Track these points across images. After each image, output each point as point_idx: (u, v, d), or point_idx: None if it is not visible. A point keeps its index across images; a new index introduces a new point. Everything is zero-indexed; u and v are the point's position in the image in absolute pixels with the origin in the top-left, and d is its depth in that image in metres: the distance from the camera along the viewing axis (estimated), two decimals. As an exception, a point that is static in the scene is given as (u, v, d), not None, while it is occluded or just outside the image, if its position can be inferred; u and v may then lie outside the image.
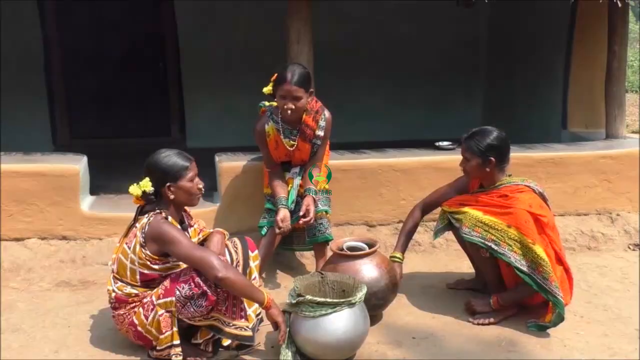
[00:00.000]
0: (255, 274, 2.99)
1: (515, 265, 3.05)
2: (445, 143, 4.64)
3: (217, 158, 4.34)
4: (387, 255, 3.43)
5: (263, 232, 3.65)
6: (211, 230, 3.01)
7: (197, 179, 2.84)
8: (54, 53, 6.68)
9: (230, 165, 4.19)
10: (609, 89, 4.97)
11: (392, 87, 7.17)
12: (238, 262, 2.88)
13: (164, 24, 6.85)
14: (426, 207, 3.54)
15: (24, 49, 6.41)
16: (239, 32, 6.70)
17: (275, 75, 3.48)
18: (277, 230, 3.47)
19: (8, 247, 4.00)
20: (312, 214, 3.48)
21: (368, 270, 3.13)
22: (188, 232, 2.92)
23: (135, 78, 6.96)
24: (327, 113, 3.62)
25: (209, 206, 4.22)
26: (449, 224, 3.31)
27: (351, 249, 3.28)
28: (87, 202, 4.25)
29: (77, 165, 4.11)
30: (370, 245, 3.27)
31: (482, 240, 3.11)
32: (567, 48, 5.64)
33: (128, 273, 2.76)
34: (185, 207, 2.95)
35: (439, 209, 3.45)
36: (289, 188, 3.61)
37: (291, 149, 3.58)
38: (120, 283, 2.79)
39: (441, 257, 4.18)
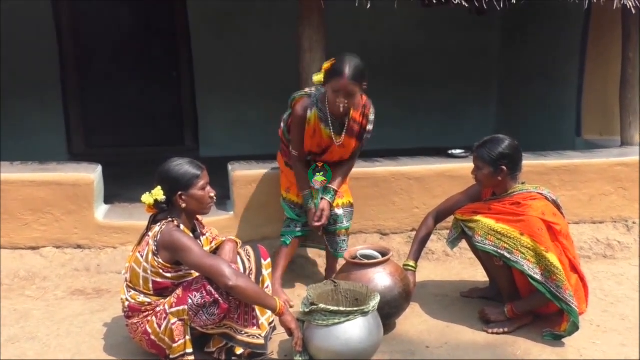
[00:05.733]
0: (268, 282, 2.99)
1: (529, 273, 3.03)
2: (458, 151, 4.62)
3: (230, 167, 4.36)
4: (401, 263, 3.42)
5: (287, 242, 3.60)
6: (223, 238, 3.02)
7: (208, 188, 2.85)
8: (69, 62, 6.75)
9: (243, 174, 4.20)
10: (623, 96, 4.94)
11: (404, 95, 7.17)
12: (251, 270, 2.88)
13: (177, 33, 6.90)
14: (439, 215, 3.52)
15: (40, 58, 6.48)
16: (252, 41, 6.73)
17: (330, 64, 3.24)
18: (316, 224, 3.40)
19: (24, 256, 4.04)
20: (324, 220, 3.43)
21: (381, 278, 3.11)
22: (200, 241, 2.93)
23: (149, 87, 7.02)
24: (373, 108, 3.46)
25: (222, 215, 4.23)
26: (463, 233, 3.30)
27: (364, 257, 3.27)
28: (101, 211, 4.28)
29: (91, 175, 4.15)
30: (384, 254, 3.26)
31: (495, 249, 3.09)
32: (581, 55, 5.61)
33: (141, 282, 2.77)
34: (198, 216, 2.96)
35: (451, 218, 3.43)
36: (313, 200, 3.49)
37: (337, 142, 3.40)
38: (133, 292, 2.80)
39: (455, 265, 4.15)
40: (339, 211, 3.55)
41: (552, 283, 3.00)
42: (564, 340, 3.06)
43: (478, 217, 3.19)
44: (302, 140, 3.42)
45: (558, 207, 3.27)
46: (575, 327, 3.02)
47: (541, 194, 3.22)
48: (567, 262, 3.12)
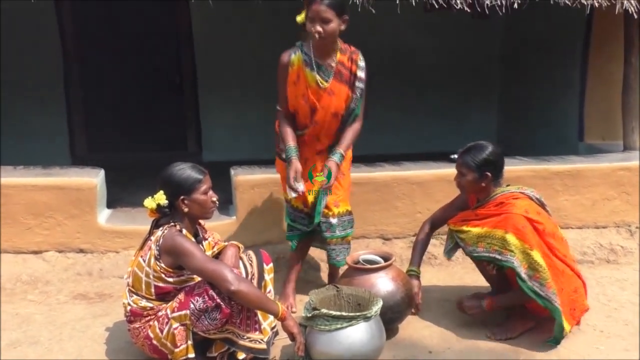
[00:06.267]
0: (270, 287, 2.99)
1: (518, 271, 3.00)
2: (460, 155, 4.61)
3: (232, 171, 4.36)
4: (403, 268, 3.42)
5: (293, 247, 3.57)
6: (226, 243, 3.02)
7: (210, 192, 2.85)
8: (72, 67, 6.77)
9: (245, 178, 4.21)
10: (625, 101, 4.93)
11: (406, 98, 7.17)
12: (253, 275, 2.88)
13: (180, 38, 6.91)
14: (434, 223, 3.57)
15: (43, 62, 6.50)
16: (255, 46, 6.74)
17: None
18: (292, 195, 3.22)
19: (27, 260, 4.05)
20: (332, 181, 3.25)
21: (384, 283, 3.11)
22: (202, 245, 2.93)
23: (152, 92, 7.03)
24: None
25: (225, 219, 4.24)
26: (457, 243, 3.29)
27: (367, 262, 3.27)
28: (104, 215, 4.29)
29: (94, 179, 4.15)
30: (386, 259, 3.26)
31: (487, 254, 3.09)
32: (583, 59, 5.61)
33: (143, 286, 2.77)
34: (200, 220, 2.96)
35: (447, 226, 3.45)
36: (313, 195, 3.35)
37: (322, 87, 3.22)
38: (135, 296, 2.80)
39: (457, 270, 4.15)
40: (333, 220, 3.42)
41: (535, 281, 2.99)
42: (568, 346, 3.05)
43: (466, 227, 3.21)
44: (286, 95, 3.30)
45: (543, 205, 3.26)
46: (560, 329, 3.00)
47: (524, 193, 3.22)
48: (559, 262, 3.10)
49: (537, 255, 3.00)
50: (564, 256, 3.16)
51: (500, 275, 3.20)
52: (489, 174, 3.16)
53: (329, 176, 3.33)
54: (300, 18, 3.24)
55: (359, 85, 3.30)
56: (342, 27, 3.19)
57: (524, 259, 3.01)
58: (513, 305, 3.22)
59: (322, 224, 3.42)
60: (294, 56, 3.26)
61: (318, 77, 3.24)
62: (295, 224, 3.51)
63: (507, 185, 3.27)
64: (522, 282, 3.01)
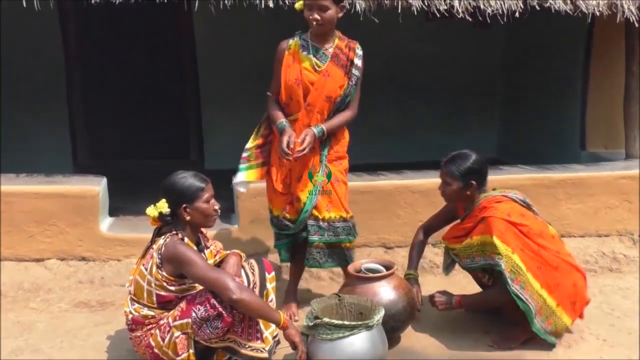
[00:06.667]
0: (272, 295, 2.98)
1: (504, 274, 3.00)
2: (462, 164, 4.61)
3: (234, 180, 4.36)
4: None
5: (283, 258, 3.56)
6: (227, 252, 3.02)
7: (213, 201, 2.85)
8: (75, 74, 6.79)
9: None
10: (627, 109, 4.94)
11: (408, 108, 7.17)
12: (255, 283, 2.87)
13: (183, 45, 6.94)
14: (427, 230, 3.61)
15: (46, 69, 6.51)
16: (257, 54, 6.74)
17: None
18: (287, 157, 3.15)
19: (29, 268, 4.05)
20: (305, 145, 3.15)
21: (386, 292, 3.10)
22: (204, 254, 2.93)
23: (155, 99, 7.05)
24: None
25: (226, 227, 4.24)
26: (478, 268, 3.28)
27: (369, 271, 3.26)
28: (106, 224, 4.29)
29: (96, 187, 4.16)
30: (388, 268, 3.26)
31: (484, 261, 3.10)
32: (585, 68, 5.61)
33: (145, 294, 2.77)
34: (202, 229, 2.96)
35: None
36: (307, 193, 3.30)
37: (317, 70, 3.23)
38: (137, 305, 2.80)
39: (459, 279, 4.12)
40: (323, 224, 3.37)
41: (516, 284, 3.00)
42: (569, 354, 3.04)
43: (456, 245, 3.24)
44: (279, 79, 3.30)
45: (529, 207, 3.26)
46: (539, 332, 3.02)
47: (506, 196, 3.23)
48: (551, 258, 3.09)
49: (517, 259, 3.01)
50: (556, 253, 3.14)
51: (497, 286, 3.19)
52: (473, 182, 3.18)
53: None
54: (298, 5, 3.27)
55: (355, 72, 3.30)
56: (340, 15, 3.24)
57: (508, 263, 3.01)
58: (481, 306, 3.28)
59: (311, 227, 3.37)
60: (291, 41, 3.32)
61: (314, 60, 3.26)
62: (282, 231, 3.48)
63: (493, 190, 3.28)
64: (508, 285, 3.01)
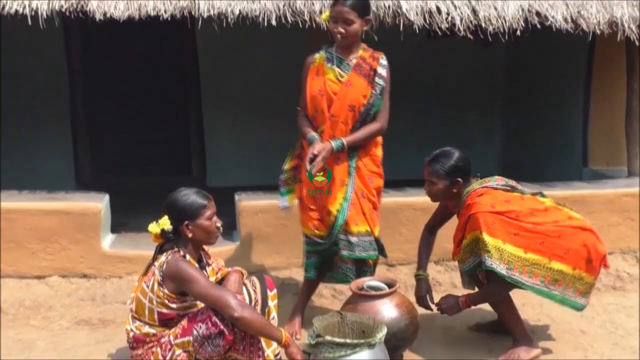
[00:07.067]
0: (273, 313, 2.97)
1: (497, 270, 3.01)
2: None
3: (236, 197, 4.37)
4: (408, 295, 3.39)
5: (309, 276, 3.52)
6: (229, 269, 3.01)
7: (215, 218, 2.85)
8: (78, 90, 6.82)
9: (249, 204, 4.21)
10: (629, 127, 4.95)
11: (409, 124, 7.17)
12: (256, 301, 2.87)
13: (185, 63, 6.97)
14: (431, 228, 3.60)
15: (49, 84, 6.54)
16: (260, 71, 6.80)
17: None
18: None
19: (30, 285, 4.05)
20: (319, 159, 3.16)
21: (388, 310, 3.09)
22: (206, 271, 2.92)
23: (157, 116, 7.07)
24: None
25: (228, 245, 4.23)
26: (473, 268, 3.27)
27: (371, 288, 3.25)
28: (108, 240, 4.29)
29: (99, 204, 4.17)
30: (390, 285, 3.24)
31: (475, 261, 3.13)
32: (586, 85, 5.64)
33: (146, 312, 2.76)
34: (204, 246, 2.96)
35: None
36: (338, 205, 3.30)
37: (341, 80, 3.27)
38: (138, 322, 2.78)
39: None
40: (353, 239, 3.35)
41: (514, 272, 3.01)
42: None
43: (460, 254, 3.24)
44: (305, 92, 3.35)
45: (513, 188, 3.26)
46: (569, 303, 3.10)
47: (486, 187, 3.22)
48: (552, 229, 3.09)
49: (510, 248, 3.02)
50: (554, 222, 3.13)
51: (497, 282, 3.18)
52: (459, 179, 3.18)
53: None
54: (324, 16, 3.37)
55: (379, 81, 3.30)
56: (365, 28, 3.31)
57: (500, 256, 3.01)
58: (487, 300, 3.27)
59: (340, 242, 3.36)
60: (317, 55, 3.39)
61: (338, 71, 3.30)
62: (313, 247, 3.45)
63: (474, 178, 3.27)
64: (504, 277, 3.02)
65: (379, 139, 3.47)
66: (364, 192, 3.39)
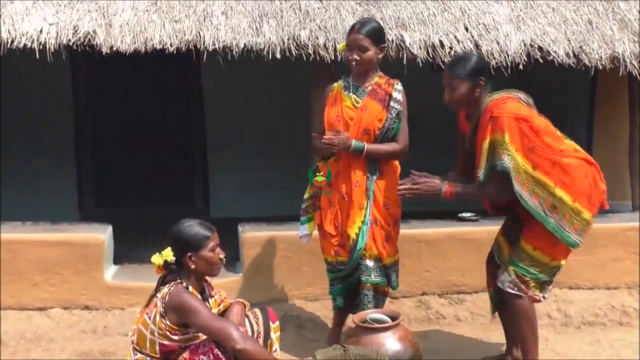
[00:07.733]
0: (276, 345, 2.94)
1: (509, 171, 2.96)
2: (468, 214, 4.61)
3: (240, 228, 4.37)
4: (411, 328, 3.36)
5: (337, 305, 3.52)
6: (231, 300, 2.99)
7: (218, 249, 2.84)
8: (83, 122, 6.88)
9: (253, 235, 4.21)
10: (632, 161, 4.95)
11: (413, 156, 7.18)
12: (259, 333, 2.84)
13: (190, 94, 7.04)
14: (463, 173, 3.46)
15: (55, 115, 6.58)
16: (264, 103, 6.85)
17: None
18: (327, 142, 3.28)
19: (31, 317, 4.02)
20: (334, 142, 3.28)
21: (391, 343, 3.05)
22: (209, 303, 2.90)
23: (161, 147, 7.11)
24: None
25: (231, 276, 4.22)
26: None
27: (374, 321, 3.22)
28: (110, 272, 4.27)
29: (102, 235, 4.17)
30: (394, 318, 3.21)
31: (490, 164, 3.06)
32: (589, 120, 5.66)
33: (148, 344, 2.74)
34: (207, 278, 2.95)
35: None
36: (357, 229, 3.33)
37: (357, 106, 3.36)
38: (139, 354, 2.76)
39: (466, 330, 4.07)
40: (369, 263, 3.38)
41: (517, 184, 2.97)
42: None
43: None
44: (322, 118, 3.44)
45: (531, 106, 3.21)
46: (562, 234, 3.03)
47: (510, 96, 3.15)
48: (563, 159, 3.06)
49: (518, 157, 2.98)
50: (560, 152, 3.10)
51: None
52: (481, 81, 3.12)
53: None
54: (341, 47, 3.56)
55: (395, 105, 3.39)
56: (380, 56, 3.41)
57: (511, 159, 2.97)
58: (475, 197, 3.23)
59: (360, 266, 3.38)
60: (335, 84, 3.50)
61: (354, 97, 3.40)
62: (335, 274, 3.47)
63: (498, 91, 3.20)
64: (513, 182, 2.98)
65: (397, 167, 3.55)
66: (377, 219, 3.40)
